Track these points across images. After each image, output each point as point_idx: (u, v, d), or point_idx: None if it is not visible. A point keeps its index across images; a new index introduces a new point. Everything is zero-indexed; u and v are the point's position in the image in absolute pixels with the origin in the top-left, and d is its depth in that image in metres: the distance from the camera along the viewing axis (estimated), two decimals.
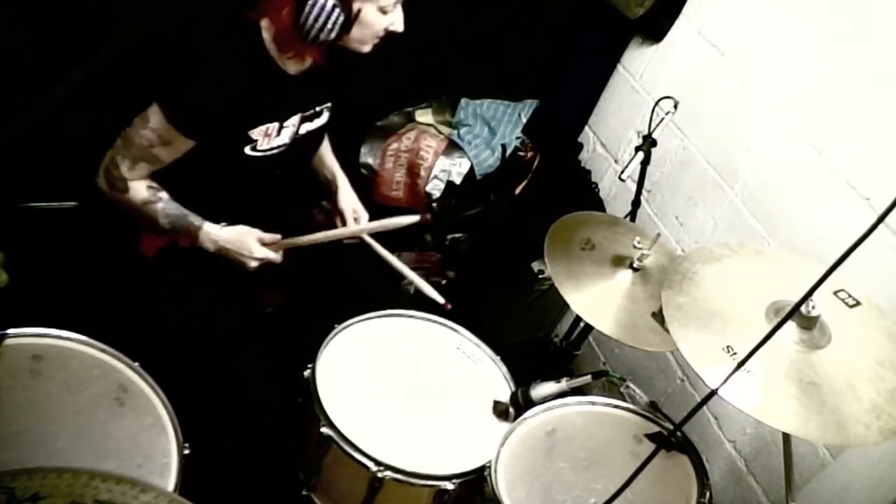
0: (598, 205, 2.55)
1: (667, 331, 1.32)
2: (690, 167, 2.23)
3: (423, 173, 2.33)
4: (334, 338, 1.74)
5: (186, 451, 1.38)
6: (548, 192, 2.52)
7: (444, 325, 1.86)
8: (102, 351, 1.43)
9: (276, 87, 1.56)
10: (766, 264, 1.52)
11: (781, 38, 1.95)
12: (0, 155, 1.75)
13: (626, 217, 2.05)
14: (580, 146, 2.69)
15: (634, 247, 1.72)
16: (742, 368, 1.12)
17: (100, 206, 1.66)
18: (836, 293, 1.36)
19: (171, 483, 1.33)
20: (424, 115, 2.45)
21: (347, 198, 1.90)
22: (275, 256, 1.67)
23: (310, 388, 1.62)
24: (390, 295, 1.92)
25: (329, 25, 1.42)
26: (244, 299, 1.76)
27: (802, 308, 1.22)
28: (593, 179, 2.62)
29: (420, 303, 1.86)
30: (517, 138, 2.43)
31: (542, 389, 1.67)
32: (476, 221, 2.44)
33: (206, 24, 1.53)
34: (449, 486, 1.54)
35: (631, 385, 1.77)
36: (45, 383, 1.37)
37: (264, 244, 1.66)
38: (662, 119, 1.88)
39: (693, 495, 1.53)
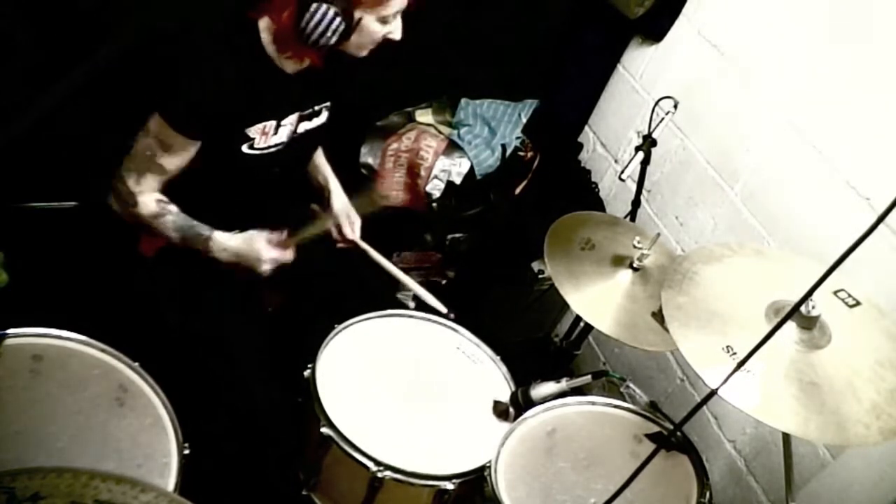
0: (598, 205, 2.55)
1: (667, 331, 1.32)
2: (690, 167, 2.23)
3: (423, 173, 2.33)
4: (334, 338, 1.74)
5: (186, 451, 1.38)
6: (548, 192, 2.52)
7: (444, 325, 1.86)
8: (102, 351, 1.43)
9: (274, 85, 1.56)
10: (766, 264, 1.52)
11: (781, 38, 1.95)
12: (0, 155, 1.75)
13: (626, 217, 2.05)
14: (580, 146, 2.69)
15: (634, 247, 1.72)
16: (742, 368, 1.12)
17: (100, 206, 1.66)
18: (836, 293, 1.36)
19: (171, 483, 1.33)
20: (424, 115, 2.45)
21: (340, 202, 1.90)
22: (286, 257, 1.66)
23: (310, 388, 1.62)
24: (390, 295, 1.92)
25: (329, 32, 1.43)
26: (244, 299, 1.76)
27: (802, 308, 1.22)
28: (593, 179, 2.62)
29: (421, 305, 1.86)
30: (517, 138, 2.43)
31: (542, 389, 1.67)
32: (476, 221, 2.44)
33: (206, 24, 1.53)
34: (449, 486, 1.54)
35: (631, 385, 1.77)
36: (45, 383, 1.37)
37: (273, 244, 1.66)
38: (662, 119, 1.88)
39: (693, 495, 1.53)
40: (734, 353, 1.24)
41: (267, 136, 1.61)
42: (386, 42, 1.54)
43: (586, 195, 2.58)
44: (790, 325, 1.27)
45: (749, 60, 2.05)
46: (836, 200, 1.76)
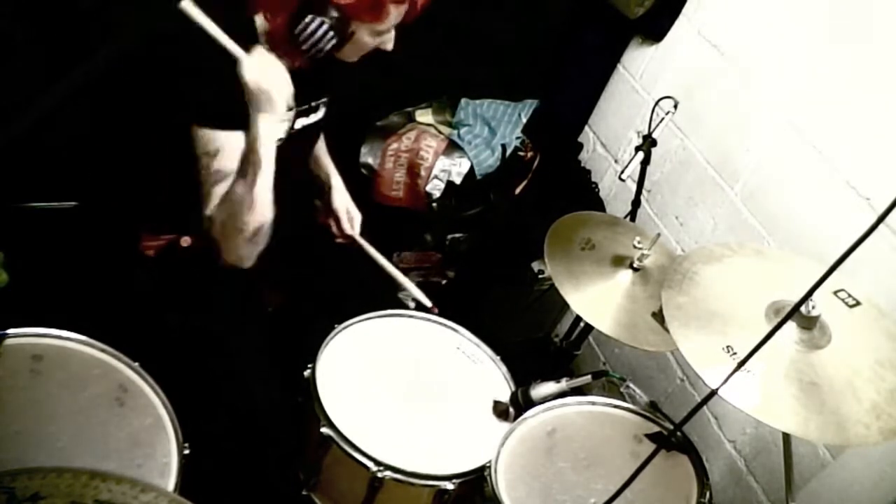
0: (598, 205, 2.55)
1: (667, 331, 1.32)
2: (690, 167, 2.23)
3: (423, 173, 2.33)
4: (334, 338, 1.74)
5: (186, 451, 1.38)
6: (548, 192, 2.52)
7: (444, 325, 1.87)
8: (102, 351, 1.43)
9: None
10: (766, 264, 1.52)
11: (781, 38, 1.95)
12: (0, 155, 1.75)
13: (626, 217, 2.05)
14: (580, 146, 2.69)
15: (634, 247, 1.72)
16: (742, 368, 1.12)
17: (100, 206, 1.66)
18: (836, 293, 1.36)
19: (171, 483, 1.33)
20: (424, 115, 2.45)
21: (341, 198, 1.90)
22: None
23: (310, 388, 1.62)
24: (390, 295, 1.92)
25: (321, 45, 1.42)
26: (244, 299, 1.76)
27: (802, 308, 1.22)
28: (593, 179, 2.62)
29: (420, 305, 1.87)
30: (517, 138, 2.43)
31: (542, 389, 1.67)
32: (476, 221, 2.44)
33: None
34: (449, 486, 1.54)
35: (631, 385, 1.77)
36: (45, 383, 1.37)
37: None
38: (662, 119, 1.88)
39: (693, 495, 1.53)
40: (734, 353, 1.24)
41: None
42: (377, 52, 1.55)
43: (586, 195, 2.58)
44: (790, 325, 1.27)
45: (749, 60, 2.05)
46: (836, 200, 1.76)
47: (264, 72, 1.39)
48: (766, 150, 1.99)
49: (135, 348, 1.45)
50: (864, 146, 1.73)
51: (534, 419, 1.65)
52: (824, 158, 1.81)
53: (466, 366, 1.81)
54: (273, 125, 1.45)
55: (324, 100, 1.73)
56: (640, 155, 1.85)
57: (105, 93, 1.78)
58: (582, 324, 1.96)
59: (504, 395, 1.74)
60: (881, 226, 0.89)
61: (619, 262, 1.75)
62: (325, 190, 1.92)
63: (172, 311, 1.70)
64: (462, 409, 1.72)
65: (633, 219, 2.06)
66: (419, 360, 1.79)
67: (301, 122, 1.69)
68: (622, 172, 1.80)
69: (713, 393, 1.16)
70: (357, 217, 1.89)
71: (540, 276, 2.44)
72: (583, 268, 1.72)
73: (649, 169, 1.94)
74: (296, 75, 1.60)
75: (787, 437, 1.38)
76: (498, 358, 1.83)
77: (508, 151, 2.41)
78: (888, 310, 1.37)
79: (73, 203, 1.98)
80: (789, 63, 1.92)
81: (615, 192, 2.53)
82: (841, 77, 1.78)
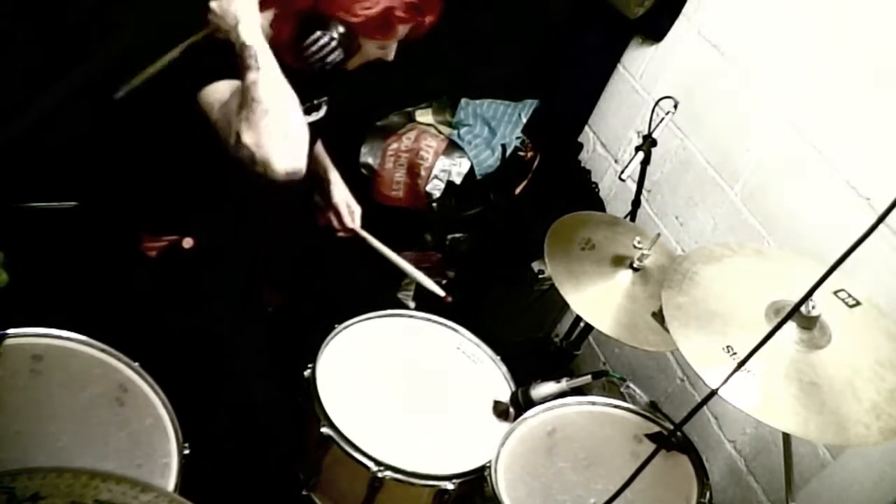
0: (598, 205, 2.55)
1: (667, 331, 1.32)
2: (690, 167, 2.23)
3: (423, 173, 2.33)
4: (334, 338, 1.74)
5: (186, 451, 1.38)
6: (548, 192, 2.52)
7: (444, 325, 1.87)
8: (102, 351, 1.43)
9: None
10: (766, 264, 1.52)
11: (781, 38, 1.95)
12: (0, 155, 1.75)
13: (626, 217, 2.05)
14: (580, 146, 2.69)
15: (634, 247, 1.72)
16: (742, 368, 1.12)
17: (100, 207, 1.66)
18: (836, 293, 1.36)
19: (171, 483, 1.33)
20: (424, 115, 2.45)
21: (340, 192, 1.90)
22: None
23: (310, 388, 1.62)
24: (390, 295, 1.92)
25: (327, 59, 1.41)
26: (244, 299, 1.76)
27: (802, 308, 1.22)
28: (593, 179, 2.62)
29: (420, 304, 1.87)
30: (517, 138, 2.43)
31: (542, 389, 1.67)
32: (476, 221, 2.44)
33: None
34: (449, 486, 1.54)
35: (631, 385, 1.77)
36: (45, 383, 1.37)
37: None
38: (662, 119, 1.88)
39: (693, 495, 1.53)
40: (734, 353, 1.24)
41: None
42: (377, 61, 1.55)
43: (586, 195, 2.58)
44: (790, 325, 1.27)
45: (749, 60, 2.05)
46: (836, 200, 1.76)
47: None
48: (766, 150, 1.99)
49: (135, 348, 1.45)
50: (864, 146, 1.73)
51: (534, 419, 1.65)
52: (824, 158, 1.81)
53: (466, 366, 1.81)
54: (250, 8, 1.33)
55: (324, 98, 1.73)
56: (640, 155, 1.85)
57: (105, 93, 1.78)
58: (582, 324, 1.96)
59: (504, 395, 1.74)
60: (881, 226, 0.89)
61: (619, 262, 1.75)
62: (323, 185, 1.92)
63: (172, 311, 1.70)
64: (462, 409, 1.72)
65: (633, 219, 2.06)
66: (419, 360, 1.79)
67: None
68: (622, 172, 1.80)
69: (713, 393, 1.16)
70: (357, 210, 1.89)
71: (540, 276, 2.44)
72: (583, 268, 1.72)
73: (649, 169, 1.94)
74: (296, 75, 1.61)
75: (787, 437, 1.38)
76: (498, 358, 1.83)
77: (508, 151, 2.41)
78: (888, 310, 1.37)
79: (73, 203, 1.98)
80: (789, 63, 1.92)
81: (615, 192, 2.53)
82: (841, 77, 1.78)
